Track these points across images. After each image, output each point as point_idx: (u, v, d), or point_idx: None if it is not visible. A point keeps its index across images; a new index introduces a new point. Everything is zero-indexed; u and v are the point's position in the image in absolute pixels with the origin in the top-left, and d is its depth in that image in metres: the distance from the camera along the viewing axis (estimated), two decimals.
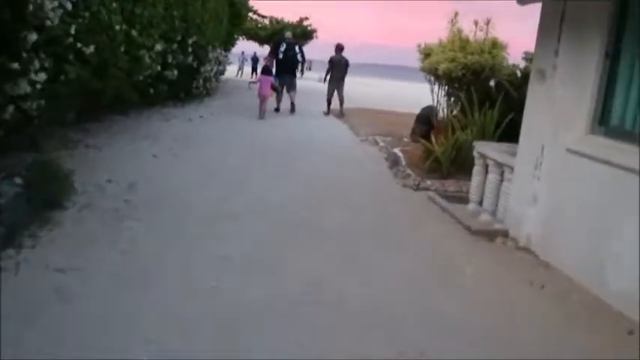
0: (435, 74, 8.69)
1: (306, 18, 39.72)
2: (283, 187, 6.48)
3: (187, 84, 12.45)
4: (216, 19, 13.68)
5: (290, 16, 41.02)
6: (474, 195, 6.51)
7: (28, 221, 4.15)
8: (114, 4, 6.49)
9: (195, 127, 10.06)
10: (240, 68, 33.56)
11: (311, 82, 19.49)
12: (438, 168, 7.59)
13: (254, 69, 32.52)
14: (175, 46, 9.93)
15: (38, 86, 4.86)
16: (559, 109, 4.80)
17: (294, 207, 5.71)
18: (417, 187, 7.20)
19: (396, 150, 9.06)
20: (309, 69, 47.99)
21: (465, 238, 5.33)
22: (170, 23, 9.35)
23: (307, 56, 14.82)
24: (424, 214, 6.15)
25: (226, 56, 18.75)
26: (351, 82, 36.30)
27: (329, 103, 13.80)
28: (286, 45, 13.04)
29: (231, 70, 29.89)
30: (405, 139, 10.65)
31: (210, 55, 13.59)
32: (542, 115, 5.05)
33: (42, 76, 4.82)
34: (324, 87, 14.56)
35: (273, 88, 12.57)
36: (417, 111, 16.30)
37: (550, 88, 4.94)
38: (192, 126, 10.10)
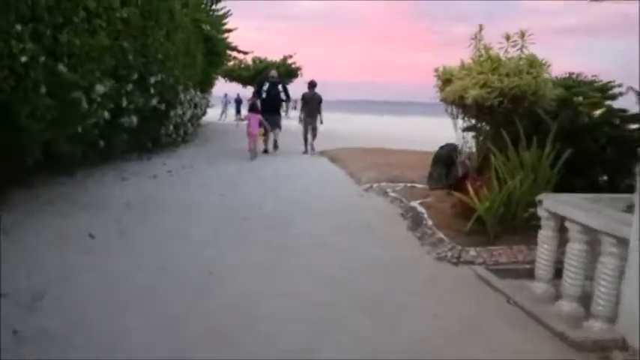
0: (460, 104, 6.78)
1: (290, 56, 38.39)
2: (271, 286, 4.39)
3: (154, 131, 10.49)
4: (187, 55, 11.83)
5: (274, 55, 39.64)
6: (542, 271, 4.55)
7: None
8: (18, 27, 4.54)
9: (158, 186, 8.02)
10: (223, 111, 31.87)
11: (296, 121, 17.63)
12: (480, 229, 5.60)
13: (238, 111, 30.86)
14: (130, 86, 7.98)
15: None
16: None
17: (286, 332, 3.62)
18: (458, 260, 5.19)
19: (415, 203, 7.06)
20: (295, 108, 46.36)
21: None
22: (120, 57, 7.41)
23: (292, 95, 14.43)
24: (483, 308, 4.11)
25: (204, 98, 16.94)
26: (340, 120, 34.96)
27: (306, 140, 13.43)
28: (269, 84, 12.83)
29: (213, 114, 28.26)
30: (419, 186, 8.69)
31: (182, 96, 11.69)
32: None
33: None
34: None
35: (262, 125, 12.14)
36: (421, 148, 14.62)
37: None
38: (154, 186, 8.06)
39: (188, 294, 4.03)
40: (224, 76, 38.84)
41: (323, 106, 13.65)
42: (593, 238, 3.91)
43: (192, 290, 4.11)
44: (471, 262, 5.14)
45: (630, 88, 6.18)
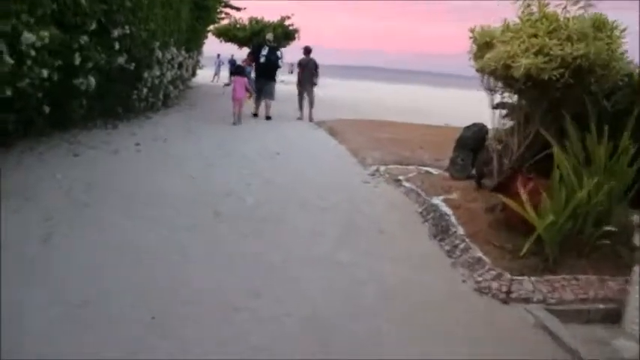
0: (504, 75, 5.20)
1: (288, 17, 36.29)
2: (237, 345, 2.93)
3: (124, 96, 8.88)
4: (166, 7, 10.09)
5: (271, 16, 37.48)
6: (635, 325, 3.16)
7: None
8: None
9: (115, 166, 6.48)
10: (217, 73, 30.03)
11: (292, 87, 16.08)
12: (535, 249, 4.13)
13: (232, 73, 28.95)
14: (85, 39, 6.34)
15: None
16: None
17: None
18: (507, 296, 3.74)
19: (438, 200, 5.56)
20: (291, 72, 44.16)
21: None
22: (68, 0, 5.76)
23: (289, 59, 15.14)
24: None
25: (190, 58, 15.23)
26: (339, 86, 33.12)
27: (301, 107, 13.08)
28: (269, 49, 12.35)
29: (205, 76, 26.54)
30: (435, 172, 7.22)
31: (160, 55, 10.01)
32: None
33: None
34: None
35: (248, 90, 11.56)
36: (428, 121, 13.19)
37: None
38: (111, 164, 6.52)
39: None
40: (218, 36, 36.85)
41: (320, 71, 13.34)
42: None
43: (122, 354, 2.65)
44: (526, 300, 3.70)
45: None
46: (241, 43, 36.29)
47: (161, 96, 11.34)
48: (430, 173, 7.18)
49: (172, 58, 11.66)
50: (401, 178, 6.81)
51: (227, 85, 12.30)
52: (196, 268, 3.75)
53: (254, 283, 3.59)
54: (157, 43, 9.56)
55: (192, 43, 15.03)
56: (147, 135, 8.54)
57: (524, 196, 4.21)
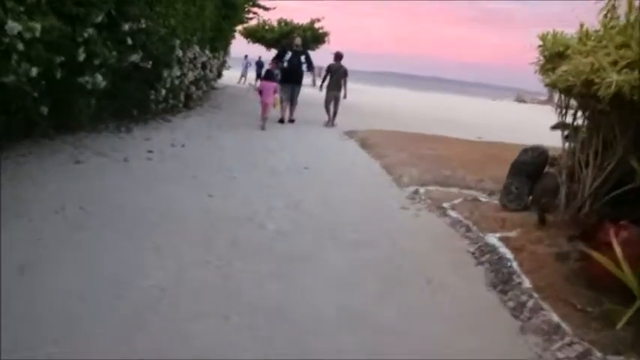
0: (584, 93, 4.30)
1: (318, 20, 35.66)
2: None
3: (140, 96, 8.18)
4: (189, 2, 9.38)
5: (301, 18, 36.86)
6: None
7: None
8: None
9: (122, 177, 5.74)
10: (243, 74, 29.36)
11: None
12: (631, 317, 3.23)
13: (259, 75, 28.31)
14: (91, 31, 5.61)
15: None
16: None
17: None
18: None
19: (493, 239, 4.68)
20: (319, 75, 43.04)
21: None
22: None
23: (316, 63, 14.15)
24: None
25: (216, 58, 14.55)
26: (368, 93, 32.20)
27: (328, 111, 12.86)
28: (292, 53, 12.19)
29: (232, 77, 25.97)
30: (483, 199, 6.34)
31: (181, 53, 9.30)
32: None
33: None
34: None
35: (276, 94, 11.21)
36: (464, 134, 12.48)
37: None
38: (118, 175, 5.78)
39: None
40: (246, 37, 36.34)
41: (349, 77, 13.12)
42: None
43: None
44: None
45: None
46: (269, 45, 35.71)
47: (182, 97, 10.66)
48: (478, 200, 6.30)
49: (195, 58, 10.97)
50: (445, 205, 5.94)
51: (255, 89, 11.98)
52: (201, 327, 2.95)
53: (274, 349, 2.78)
54: (178, 41, 8.84)
55: (218, 43, 14.34)
56: (163, 140, 7.82)
57: (617, 249, 3.32)
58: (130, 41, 6.63)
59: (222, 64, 19.31)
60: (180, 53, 9.13)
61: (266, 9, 18.31)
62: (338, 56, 12.94)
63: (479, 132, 16.00)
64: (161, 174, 6.08)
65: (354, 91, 14.45)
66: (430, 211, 5.95)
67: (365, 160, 8.71)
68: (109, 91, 6.92)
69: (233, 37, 20.34)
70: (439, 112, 23.61)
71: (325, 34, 35.82)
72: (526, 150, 5.91)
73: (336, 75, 12.74)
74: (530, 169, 5.71)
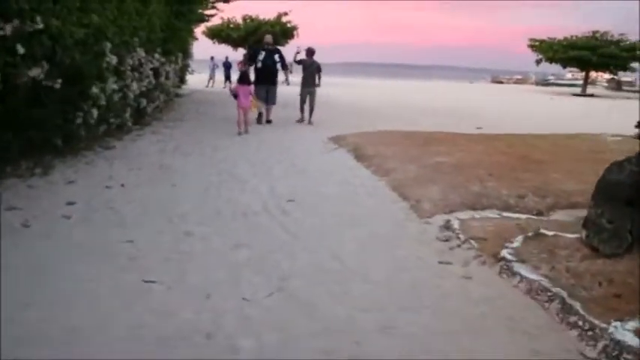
0: None
1: (286, 13, 33.56)
2: None
3: (61, 122, 6.07)
4: None
5: (266, 13, 34.73)
6: None
7: None
8: None
9: (12, 257, 3.66)
10: (211, 77, 27.17)
11: (297, 87, 13.68)
12: None
13: (227, 77, 26.16)
14: None
15: None
16: None
17: None
18: None
19: (625, 332, 2.75)
20: (291, 72, 40.77)
21: None
22: None
23: (289, 58, 12.96)
24: None
25: (172, 62, 12.41)
26: (348, 85, 30.20)
27: (302, 109, 12.51)
28: (265, 52, 11.72)
29: (199, 81, 23.94)
30: (549, 232, 4.44)
31: (116, 60, 7.18)
32: None
33: None
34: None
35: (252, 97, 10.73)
36: (466, 126, 11.29)
37: None
38: (5, 255, 3.71)
39: None
40: (211, 37, 34.12)
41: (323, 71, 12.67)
42: None
43: None
44: None
45: None
46: (236, 44, 33.51)
47: (128, 114, 8.54)
48: (544, 235, 4.36)
49: (141, 64, 8.84)
50: (505, 254, 3.98)
51: (231, 93, 11.08)
52: None
53: None
54: (109, 45, 6.72)
55: (172, 45, 12.17)
56: (94, 181, 5.74)
57: None
58: (21, 49, 4.53)
59: (184, 69, 17.14)
60: (114, 60, 7.01)
61: (225, 1, 16.14)
62: (310, 52, 12.57)
63: (476, 120, 14.27)
64: (78, 245, 4.02)
65: (326, 85, 13.19)
66: (483, 263, 4.00)
67: (365, 178, 6.72)
68: (6, 122, 4.85)
69: (194, 37, 18.14)
70: (425, 101, 21.83)
71: (294, 28, 33.78)
72: (620, 165, 3.98)
73: (310, 70, 12.38)
74: (629, 192, 3.79)
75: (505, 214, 5.35)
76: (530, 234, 4.43)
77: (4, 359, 2.32)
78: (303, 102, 12.48)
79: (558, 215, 5.49)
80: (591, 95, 33.68)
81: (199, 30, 29.27)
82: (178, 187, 5.83)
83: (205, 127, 11.26)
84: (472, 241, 4.40)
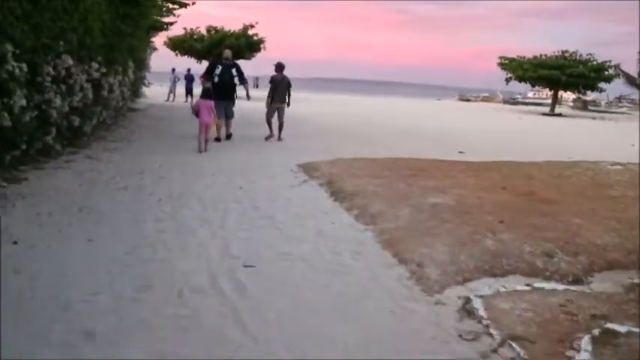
0: None
1: (252, 25, 32.23)
2: None
3: None
4: None
5: (232, 25, 33.40)
6: None
7: None
8: None
9: None
10: (172, 90, 25.44)
11: (262, 103, 12.70)
12: None
13: (188, 91, 24.39)
14: None
15: None
16: None
17: None
18: None
19: None
20: (257, 86, 39.52)
21: None
22: None
23: (255, 72, 12.13)
24: None
25: (118, 73, 10.77)
26: (317, 102, 28.88)
27: (269, 124, 12.09)
28: (222, 67, 11.52)
29: (158, 94, 22.39)
30: (622, 329, 3.05)
31: (22, 69, 5.55)
32: None
33: None
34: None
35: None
36: (448, 151, 10.85)
37: None
38: None
39: None
40: (173, 49, 32.55)
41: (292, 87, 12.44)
42: None
43: None
44: None
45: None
46: (200, 56, 31.97)
47: (51, 137, 6.89)
48: (615, 333, 3.00)
49: (70, 75, 7.21)
50: None
51: (193, 112, 10.46)
52: None
53: None
54: (10, 48, 5.08)
55: (119, 53, 10.53)
56: None
57: None
58: None
59: (138, 81, 15.44)
60: (24, 68, 5.40)
61: (184, 5, 14.62)
62: (280, 67, 12.20)
63: (455, 142, 13.20)
64: None
65: (293, 101, 12.39)
66: None
67: (347, 227, 5.25)
68: None
69: (152, 47, 16.50)
70: (397, 119, 20.75)
71: (261, 41, 32.47)
72: None
73: (280, 87, 12.01)
74: None
75: (536, 284, 4.06)
76: (595, 332, 3.07)
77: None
78: (270, 118, 12.08)
79: (599, 282, 4.26)
80: (559, 115, 33.34)
81: (160, 40, 27.61)
82: (95, 245, 4.25)
83: (156, 148, 9.72)
84: (513, 344, 3.00)
